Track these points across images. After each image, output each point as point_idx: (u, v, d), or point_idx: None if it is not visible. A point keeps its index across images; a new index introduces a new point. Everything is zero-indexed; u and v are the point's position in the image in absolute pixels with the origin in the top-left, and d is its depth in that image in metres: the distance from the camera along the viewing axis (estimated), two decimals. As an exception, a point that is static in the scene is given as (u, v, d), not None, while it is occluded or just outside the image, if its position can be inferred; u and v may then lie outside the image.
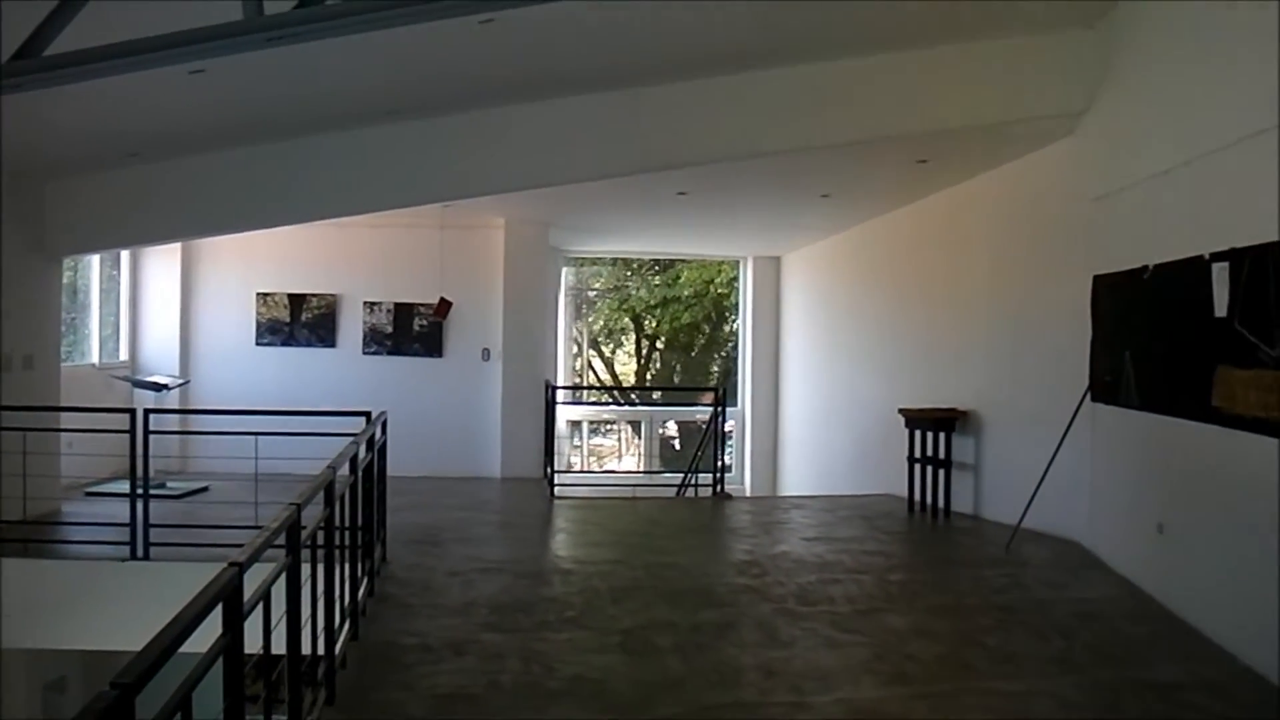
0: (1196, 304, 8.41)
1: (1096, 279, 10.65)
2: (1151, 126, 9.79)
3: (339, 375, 17.65)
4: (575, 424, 26.76)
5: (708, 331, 33.49)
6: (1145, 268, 9.50)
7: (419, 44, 9.02)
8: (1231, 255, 7.93)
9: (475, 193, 13.69)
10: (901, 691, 7.22)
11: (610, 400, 32.92)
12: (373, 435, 9.28)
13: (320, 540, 6.45)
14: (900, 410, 14.26)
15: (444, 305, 17.73)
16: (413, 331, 18.07)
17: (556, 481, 16.43)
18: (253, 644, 4.55)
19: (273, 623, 5.02)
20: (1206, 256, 8.30)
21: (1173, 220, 9.19)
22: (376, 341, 18.08)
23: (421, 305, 17.94)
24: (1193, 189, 8.81)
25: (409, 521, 12.42)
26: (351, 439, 8.24)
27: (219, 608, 4.08)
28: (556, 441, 17.77)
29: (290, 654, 5.50)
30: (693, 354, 34.47)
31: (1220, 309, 8.08)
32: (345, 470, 7.59)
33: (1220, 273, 8.08)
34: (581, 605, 9.18)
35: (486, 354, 18.01)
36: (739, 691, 7.24)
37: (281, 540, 5.35)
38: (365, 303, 18.06)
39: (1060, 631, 8.48)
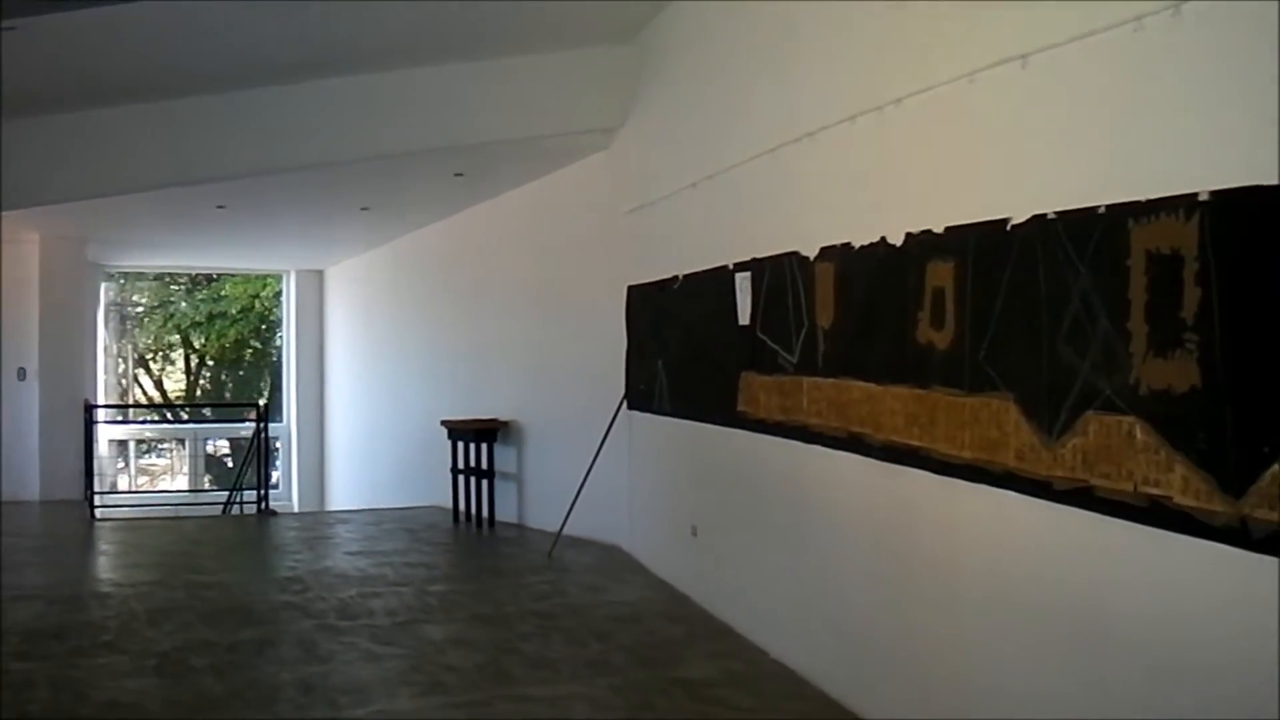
0: (722, 313, 8.74)
1: (630, 289, 10.97)
2: (679, 141, 10.14)
3: None
4: (122, 443, 25.80)
5: (257, 347, 32.88)
6: (675, 278, 9.82)
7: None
8: (753, 265, 8.27)
9: (7, 207, 12.76)
10: (438, 701, 7.28)
11: (159, 419, 31.91)
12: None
13: None
14: (442, 422, 14.33)
15: (-30, 323, 16.74)
16: (-59, 352, 16.93)
17: (99, 503, 15.94)
18: None
19: None
20: (730, 266, 8.64)
21: (700, 232, 9.52)
22: (-99, 363, 16.89)
23: (-51, 324, 16.87)
24: (716, 202, 9.12)
25: (-63, 552, 11.72)
26: None
27: None
28: (98, 462, 17.23)
29: None
30: (241, 371, 33.79)
31: (744, 317, 8.42)
32: None
33: (743, 282, 8.42)
34: (117, 629, 8.97)
35: (22, 373, 17.17)
36: (276, 708, 7.17)
37: None
38: (-111, 322, 16.84)
39: (597, 635, 8.68)
